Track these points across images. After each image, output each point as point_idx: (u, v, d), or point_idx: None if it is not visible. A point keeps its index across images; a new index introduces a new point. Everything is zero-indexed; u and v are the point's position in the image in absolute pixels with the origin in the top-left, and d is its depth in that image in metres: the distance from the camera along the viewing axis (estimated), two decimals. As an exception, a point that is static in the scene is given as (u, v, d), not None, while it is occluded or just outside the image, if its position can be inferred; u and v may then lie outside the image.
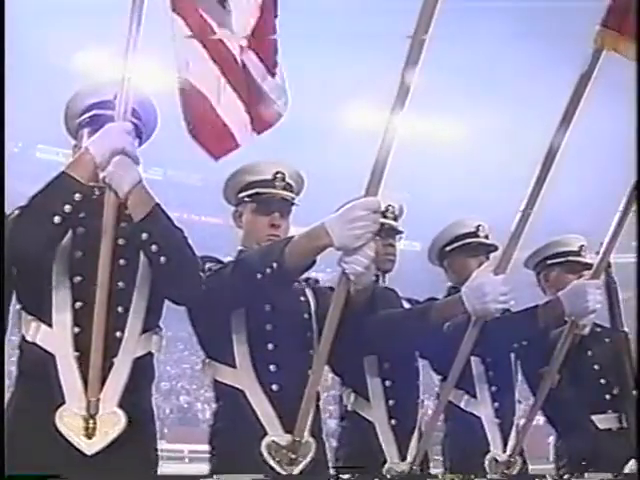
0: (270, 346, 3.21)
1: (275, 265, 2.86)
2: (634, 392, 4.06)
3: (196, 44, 2.86)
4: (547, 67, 31.29)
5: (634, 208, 3.66)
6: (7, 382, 2.77)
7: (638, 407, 3.99)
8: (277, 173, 3.42)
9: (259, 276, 2.90)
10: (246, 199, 3.43)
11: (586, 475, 3.89)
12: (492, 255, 3.99)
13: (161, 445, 3.15)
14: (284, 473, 3.09)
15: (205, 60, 2.86)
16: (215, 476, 3.02)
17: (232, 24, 2.86)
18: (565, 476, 4.09)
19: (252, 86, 2.88)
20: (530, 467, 4.13)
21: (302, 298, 3.41)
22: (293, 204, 3.46)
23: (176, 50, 2.87)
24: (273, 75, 2.89)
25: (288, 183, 3.44)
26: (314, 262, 2.94)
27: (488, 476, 3.80)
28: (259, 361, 3.19)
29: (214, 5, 2.85)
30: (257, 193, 3.41)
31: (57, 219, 2.64)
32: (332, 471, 3.38)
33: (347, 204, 2.81)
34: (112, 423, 2.71)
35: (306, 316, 3.37)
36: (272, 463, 3.09)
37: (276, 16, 2.91)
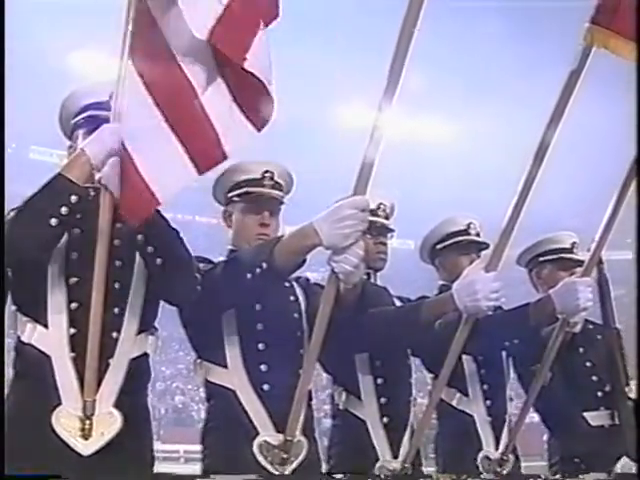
0: (261, 346, 3.22)
1: (265, 265, 2.87)
2: (626, 389, 4.08)
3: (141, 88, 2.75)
4: (541, 66, 31.23)
5: (631, 203, 3.67)
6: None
7: (638, 408, 4.02)
8: (266, 172, 3.43)
9: (249, 276, 2.92)
10: (235, 198, 3.44)
11: (580, 476, 3.91)
12: (483, 253, 4.00)
13: (156, 445, 3.16)
14: (276, 473, 3.10)
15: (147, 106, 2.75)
16: (211, 476, 3.03)
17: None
18: (557, 475, 4.11)
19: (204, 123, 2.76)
20: (525, 464, 4.14)
21: (292, 297, 3.42)
22: (282, 203, 3.47)
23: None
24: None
25: (277, 182, 3.45)
26: (304, 261, 2.95)
27: (482, 476, 3.82)
28: (250, 361, 3.20)
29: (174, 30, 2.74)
30: (246, 192, 3.41)
31: (53, 221, 2.64)
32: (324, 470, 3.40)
33: (336, 203, 2.82)
34: (108, 424, 2.72)
35: (296, 315, 3.38)
36: (264, 463, 3.09)
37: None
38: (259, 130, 2.78)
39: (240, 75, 2.70)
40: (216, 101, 2.74)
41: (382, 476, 3.55)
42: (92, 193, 2.83)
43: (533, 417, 4.28)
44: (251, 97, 2.74)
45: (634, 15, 3.41)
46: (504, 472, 3.87)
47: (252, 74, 2.68)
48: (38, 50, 38.41)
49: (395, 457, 3.61)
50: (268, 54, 2.76)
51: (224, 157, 2.77)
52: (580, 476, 3.90)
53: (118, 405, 2.75)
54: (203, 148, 2.73)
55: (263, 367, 3.20)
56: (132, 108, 2.74)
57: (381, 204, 3.85)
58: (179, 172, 2.73)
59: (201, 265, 3.11)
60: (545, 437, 4.38)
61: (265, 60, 2.74)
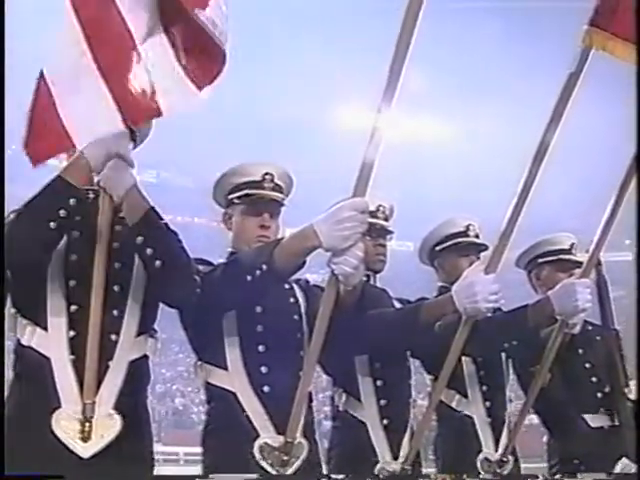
0: (261, 348, 3.21)
1: (264, 267, 2.88)
2: (625, 390, 4.09)
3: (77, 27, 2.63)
4: (541, 67, 31.29)
5: (629, 204, 3.68)
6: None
7: (638, 409, 4.02)
8: (266, 174, 3.42)
9: (249, 278, 2.92)
10: (235, 201, 3.43)
11: (579, 475, 3.91)
12: (483, 254, 4.00)
13: (156, 448, 3.16)
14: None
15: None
16: (210, 476, 3.04)
17: None
18: (557, 475, 4.11)
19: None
20: (525, 466, 4.14)
21: (292, 299, 3.41)
22: (282, 205, 3.46)
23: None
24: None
25: (277, 184, 3.44)
26: (304, 263, 2.95)
27: (480, 476, 3.82)
28: (250, 363, 3.20)
29: None
30: (246, 194, 3.41)
31: (53, 224, 2.64)
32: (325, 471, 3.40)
33: (336, 205, 2.82)
34: (108, 426, 2.72)
35: (297, 317, 3.37)
36: (264, 465, 3.09)
37: None
38: (200, 89, 2.62)
39: (187, 32, 2.60)
40: (155, 53, 2.62)
41: (381, 477, 3.56)
42: (91, 195, 2.83)
43: (533, 418, 4.28)
44: (196, 56, 2.62)
45: (633, 17, 3.41)
46: (503, 473, 3.88)
47: (203, 30, 2.56)
48: (39, 52, 38.38)
49: (395, 458, 3.61)
50: (225, 17, 2.63)
51: (158, 113, 2.61)
52: (579, 475, 3.90)
53: (118, 407, 2.75)
54: (133, 97, 2.59)
55: (263, 369, 3.20)
56: (63, 44, 2.65)
57: (380, 206, 3.85)
58: (102, 118, 2.58)
59: (201, 267, 3.11)
60: (545, 438, 4.38)
61: (221, 19, 2.62)
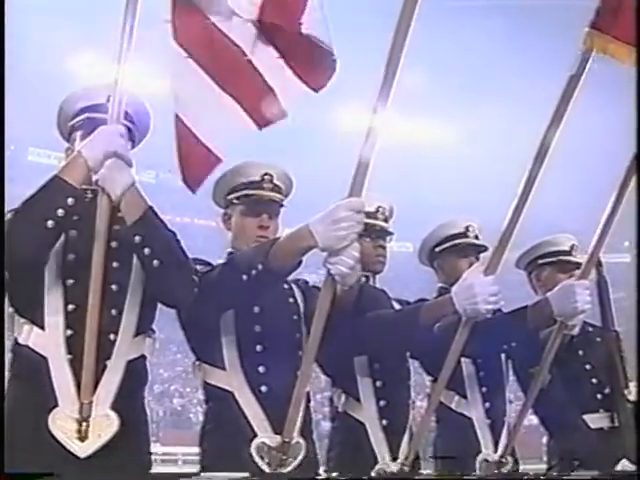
0: (259, 347, 3.22)
1: (260, 266, 2.88)
2: (625, 391, 4.09)
3: (191, 64, 2.87)
4: (541, 68, 31.29)
5: (629, 205, 3.67)
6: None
7: (638, 410, 4.02)
8: (265, 175, 3.43)
9: (245, 277, 2.92)
10: (235, 201, 3.44)
11: (574, 474, 3.91)
12: (482, 255, 4.00)
13: (154, 448, 3.16)
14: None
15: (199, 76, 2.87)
16: (202, 474, 3.03)
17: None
18: (553, 474, 4.11)
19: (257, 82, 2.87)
20: (524, 467, 4.14)
21: (291, 299, 3.42)
22: (282, 205, 3.47)
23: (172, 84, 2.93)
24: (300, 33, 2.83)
25: (276, 185, 3.44)
26: (300, 263, 2.95)
27: (477, 473, 3.81)
28: (248, 363, 3.20)
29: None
30: (245, 195, 3.41)
31: (50, 223, 2.64)
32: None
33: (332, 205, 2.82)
34: (105, 426, 2.71)
35: (295, 317, 3.38)
36: (262, 464, 3.09)
37: None
38: (316, 91, 2.86)
39: (290, 38, 2.78)
40: (264, 59, 2.83)
41: (380, 478, 3.55)
42: (89, 195, 2.84)
43: (532, 419, 4.27)
44: (303, 58, 2.81)
45: (634, 20, 3.40)
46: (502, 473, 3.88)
47: (309, 37, 2.77)
48: (37, 52, 38.42)
49: (394, 459, 3.61)
50: (324, 15, 2.83)
51: (284, 113, 2.87)
52: (574, 473, 3.90)
53: (115, 407, 2.74)
54: (258, 101, 2.82)
55: (261, 369, 3.21)
56: (181, 82, 2.87)
57: (380, 207, 3.85)
58: (235, 125, 2.85)
59: (199, 267, 3.12)
60: (544, 439, 4.37)
61: (321, 20, 2.81)
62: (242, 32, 2.80)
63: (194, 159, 2.84)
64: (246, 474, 2.97)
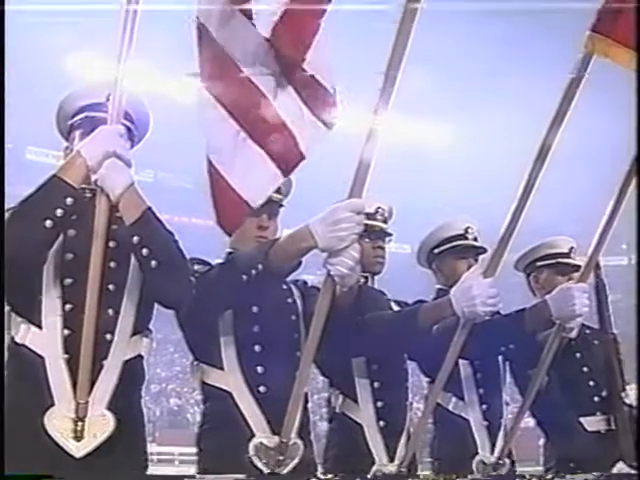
0: (257, 348, 3.21)
1: (260, 267, 2.88)
2: (623, 394, 4.09)
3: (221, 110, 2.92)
4: (541, 70, 31.31)
5: (628, 208, 3.67)
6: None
7: (638, 412, 4.02)
8: None
9: (244, 278, 2.92)
10: None
11: (570, 477, 3.90)
12: (481, 257, 3.99)
13: (151, 448, 3.15)
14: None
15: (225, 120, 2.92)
16: (198, 476, 3.03)
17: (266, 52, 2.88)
18: (548, 476, 4.10)
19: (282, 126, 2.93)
20: (521, 469, 4.14)
21: (290, 300, 3.41)
22: (281, 205, 3.46)
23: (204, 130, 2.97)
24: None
25: None
26: (300, 263, 2.96)
27: (473, 475, 3.81)
28: (246, 363, 3.19)
29: (245, 40, 2.88)
30: None
31: (49, 223, 2.64)
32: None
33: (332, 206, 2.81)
34: (101, 426, 2.70)
35: (294, 318, 3.37)
36: (260, 465, 3.09)
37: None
38: (330, 128, 2.91)
39: (303, 75, 2.83)
40: (287, 104, 2.88)
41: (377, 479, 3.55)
42: (88, 195, 2.82)
43: (529, 422, 4.27)
44: (316, 96, 2.87)
45: (635, 24, 3.40)
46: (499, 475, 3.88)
47: (312, 75, 2.83)
48: (36, 51, 38.39)
49: (391, 461, 3.62)
50: (329, 55, 2.90)
51: (303, 157, 2.91)
52: (570, 475, 3.90)
53: (111, 407, 2.73)
54: (283, 150, 2.88)
55: (259, 369, 3.20)
56: (214, 129, 2.92)
57: (379, 208, 3.84)
58: (265, 176, 2.90)
59: (198, 267, 3.12)
60: (541, 442, 4.37)
61: (326, 60, 2.88)
62: (262, 69, 2.87)
63: (228, 205, 2.90)
64: (243, 476, 2.96)
